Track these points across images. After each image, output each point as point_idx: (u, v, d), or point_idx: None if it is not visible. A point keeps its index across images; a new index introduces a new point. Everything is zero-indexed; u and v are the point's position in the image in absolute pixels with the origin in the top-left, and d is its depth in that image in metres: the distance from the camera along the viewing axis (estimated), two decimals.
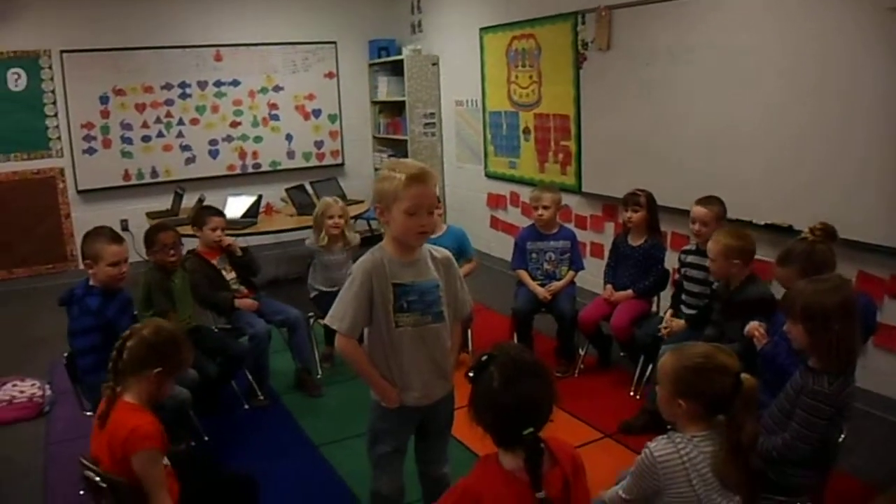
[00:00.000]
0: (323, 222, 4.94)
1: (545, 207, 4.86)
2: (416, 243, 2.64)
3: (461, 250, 4.90)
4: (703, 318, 4.04)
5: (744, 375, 2.15)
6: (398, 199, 2.51)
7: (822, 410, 2.56)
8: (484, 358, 1.98)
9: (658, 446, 2.20)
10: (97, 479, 2.44)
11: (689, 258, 4.29)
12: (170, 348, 2.60)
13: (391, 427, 2.76)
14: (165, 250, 4.23)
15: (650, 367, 4.29)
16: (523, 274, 4.96)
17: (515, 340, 4.89)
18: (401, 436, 2.81)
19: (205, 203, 6.28)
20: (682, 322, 4.18)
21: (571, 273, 4.93)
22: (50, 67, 7.50)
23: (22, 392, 4.61)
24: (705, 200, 4.18)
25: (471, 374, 1.98)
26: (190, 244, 4.75)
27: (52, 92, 7.56)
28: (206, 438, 3.93)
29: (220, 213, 4.86)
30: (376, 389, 2.71)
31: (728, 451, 2.14)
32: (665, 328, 4.21)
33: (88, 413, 3.63)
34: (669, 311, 4.36)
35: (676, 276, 4.47)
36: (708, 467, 2.15)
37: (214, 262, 4.70)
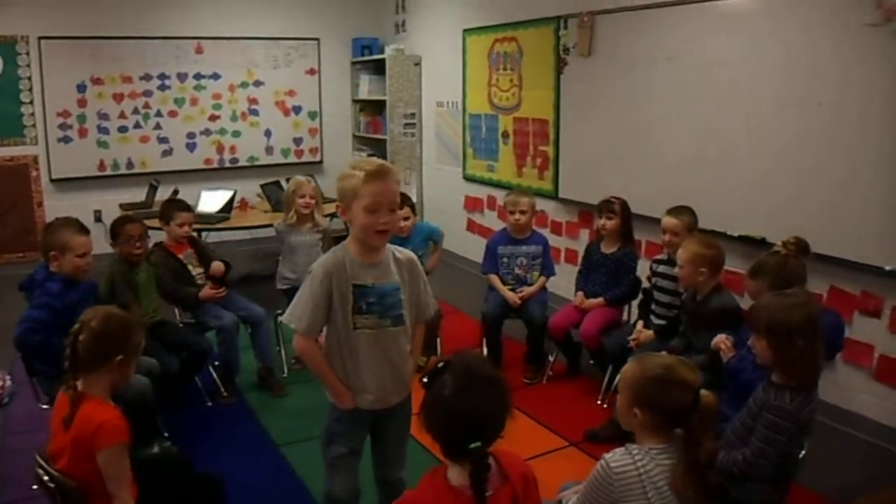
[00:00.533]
0: (293, 200, 4.85)
1: (522, 212, 4.83)
2: (377, 242, 2.60)
3: (430, 238, 5.04)
4: (672, 328, 4.04)
5: (703, 392, 2.12)
6: (358, 195, 2.50)
7: (783, 427, 2.55)
8: (440, 365, 1.93)
9: (615, 458, 2.17)
10: (46, 478, 2.40)
11: (660, 268, 4.29)
12: (125, 332, 2.53)
13: (345, 429, 2.72)
14: (131, 242, 4.18)
15: (618, 376, 4.27)
16: (494, 278, 4.93)
17: (485, 345, 4.88)
18: (355, 438, 2.77)
19: (179, 196, 6.22)
20: (650, 333, 4.17)
21: (542, 279, 4.91)
22: (27, 54, 7.40)
23: None
24: (676, 211, 4.19)
25: (425, 381, 1.94)
26: (157, 237, 4.71)
27: (29, 79, 7.46)
28: (166, 434, 3.87)
29: (189, 208, 4.80)
30: (331, 390, 2.69)
31: (685, 467, 2.11)
32: (634, 339, 4.19)
33: (44, 406, 3.59)
34: (640, 323, 4.35)
35: (647, 284, 4.47)
36: (664, 481, 2.12)
37: (181, 256, 4.64)
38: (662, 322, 4.18)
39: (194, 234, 4.89)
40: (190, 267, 4.65)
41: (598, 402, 4.49)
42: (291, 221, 4.87)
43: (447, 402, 1.86)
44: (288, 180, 7.13)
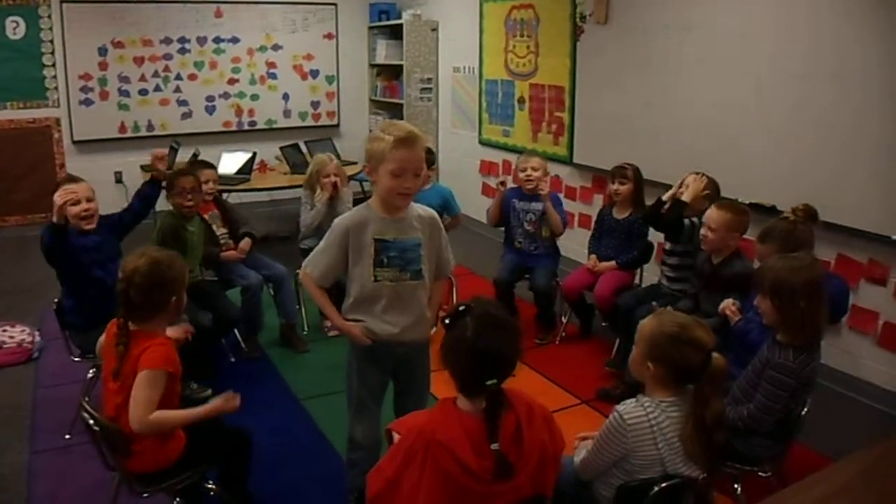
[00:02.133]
0: (318, 179, 4.87)
1: (534, 169, 4.88)
2: (400, 203, 2.74)
3: (445, 207, 5.03)
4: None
5: (714, 354, 2.22)
6: (385, 160, 2.62)
7: (786, 383, 2.67)
8: (461, 308, 2.06)
9: (627, 409, 2.28)
10: (91, 422, 2.50)
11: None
12: (172, 274, 2.62)
13: (364, 366, 2.88)
14: (183, 195, 4.26)
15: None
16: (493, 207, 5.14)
17: None
18: (374, 377, 2.92)
19: (199, 157, 6.34)
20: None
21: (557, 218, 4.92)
22: (49, 17, 7.48)
23: (12, 338, 4.68)
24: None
25: (447, 321, 2.07)
26: None
27: (51, 42, 7.55)
28: (194, 385, 4.00)
29: (212, 166, 4.90)
30: (338, 325, 2.86)
31: (693, 425, 2.23)
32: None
33: (76, 359, 3.73)
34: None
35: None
36: (674, 432, 2.24)
37: (206, 216, 4.73)
38: (676, 285, 4.26)
39: (218, 194, 4.98)
40: (214, 227, 4.76)
41: (606, 369, 4.56)
42: (321, 200, 4.83)
43: (469, 341, 1.99)
44: (307, 143, 7.28)
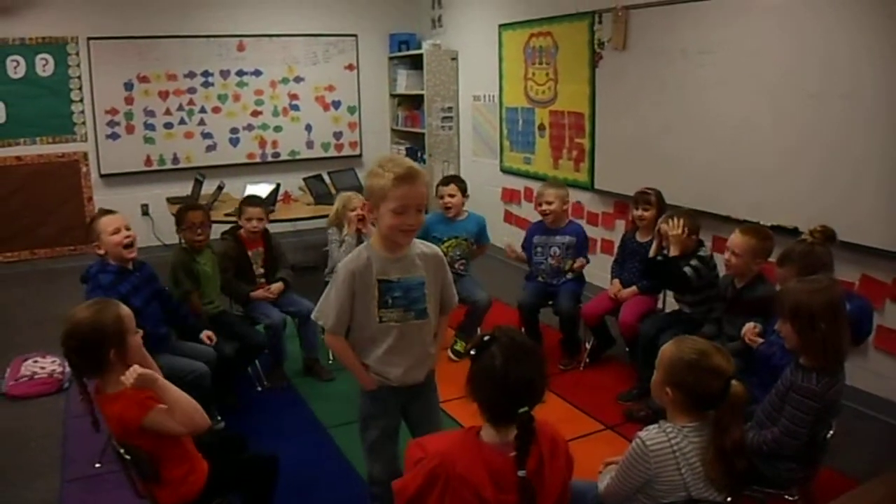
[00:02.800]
0: (345, 214, 4.91)
1: (548, 203, 4.94)
2: (403, 241, 2.70)
3: (479, 235, 5.21)
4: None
5: (734, 382, 2.23)
6: (386, 198, 2.56)
7: (810, 407, 2.65)
8: (486, 338, 2.07)
9: (650, 436, 2.28)
10: (122, 450, 2.54)
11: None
12: (100, 329, 2.54)
13: (377, 410, 2.87)
14: (193, 229, 4.34)
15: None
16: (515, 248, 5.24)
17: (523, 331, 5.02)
18: (387, 418, 2.90)
19: (224, 190, 6.43)
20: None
21: (582, 260, 5.01)
22: (77, 54, 7.65)
23: (43, 368, 4.75)
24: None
25: (473, 353, 2.08)
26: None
27: (79, 78, 7.71)
28: (219, 418, 4.05)
29: (258, 203, 4.92)
30: (358, 376, 2.84)
31: (713, 453, 2.23)
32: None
33: None
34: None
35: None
36: (697, 457, 2.24)
37: (251, 252, 4.81)
38: (698, 309, 4.26)
39: (267, 231, 4.99)
40: (255, 266, 4.83)
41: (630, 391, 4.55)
42: (350, 233, 4.84)
43: (498, 371, 2.00)
44: (330, 174, 7.36)
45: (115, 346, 2.54)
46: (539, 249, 5.06)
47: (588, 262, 5.09)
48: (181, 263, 4.30)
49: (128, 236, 3.69)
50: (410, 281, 2.72)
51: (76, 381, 2.66)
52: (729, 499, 2.28)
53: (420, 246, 2.79)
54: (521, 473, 1.97)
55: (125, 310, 2.65)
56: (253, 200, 4.95)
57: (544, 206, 4.95)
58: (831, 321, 2.66)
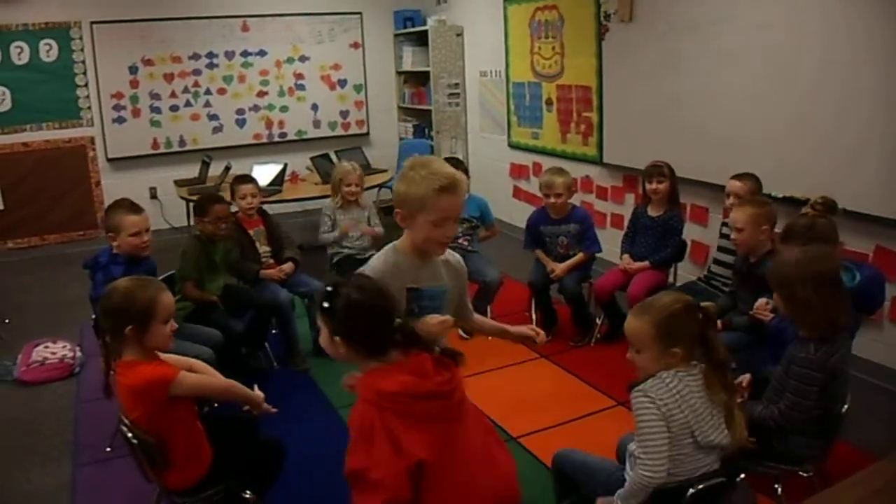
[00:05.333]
0: (339, 187, 5.13)
1: (557, 195, 4.85)
2: (439, 252, 2.56)
3: (482, 218, 5.14)
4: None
5: (703, 305, 2.34)
6: (425, 209, 2.38)
7: (811, 377, 2.61)
8: (330, 287, 2.11)
9: (646, 386, 2.30)
10: (130, 435, 2.55)
11: (725, 230, 4.30)
12: (128, 303, 2.57)
13: None
14: (217, 223, 4.32)
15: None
16: (538, 253, 5.05)
17: (534, 310, 5.00)
18: None
19: (231, 171, 6.40)
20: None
21: (581, 255, 4.94)
22: (80, 38, 7.63)
23: (53, 353, 4.76)
24: (740, 176, 4.20)
25: (326, 305, 2.09)
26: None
27: (83, 62, 7.70)
28: (216, 405, 4.03)
29: (251, 180, 4.95)
30: None
31: (710, 369, 2.30)
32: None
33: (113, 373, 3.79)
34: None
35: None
36: (695, 397, 2.28)
37: (251, 232, 4.81)
38: (724, 285, 4.22)
39: (262, 209, 5.04)
40: (257, 244, 4.82)
41: None
42: (338, 206, 5.17)
43: (362, 299, 2.07)
44: (337, 153, 7.31)
45: (135, 324, 2.55)
46: (547, 240, 5.02)
47: (594, 253, 5.06)
48: (192, 252, 4.28)
49: (145, 241, 3.69)
50: (436, 289, 2.57)
51: (100, 344, 2.75)
52: (742, 475, 2.26)
53: (445, 254, 2.65)
54: (437, 349, 2.11)
55: (167, 297, 2.66)
56: (244, 178, 4.98)
57: (553, 199, 4.87)
58: (818, 289, 2.62)
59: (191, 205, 6.85)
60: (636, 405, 2.29)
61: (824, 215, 3.34)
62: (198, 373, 2.78)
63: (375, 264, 2.54)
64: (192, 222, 4.41)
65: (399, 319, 2.06)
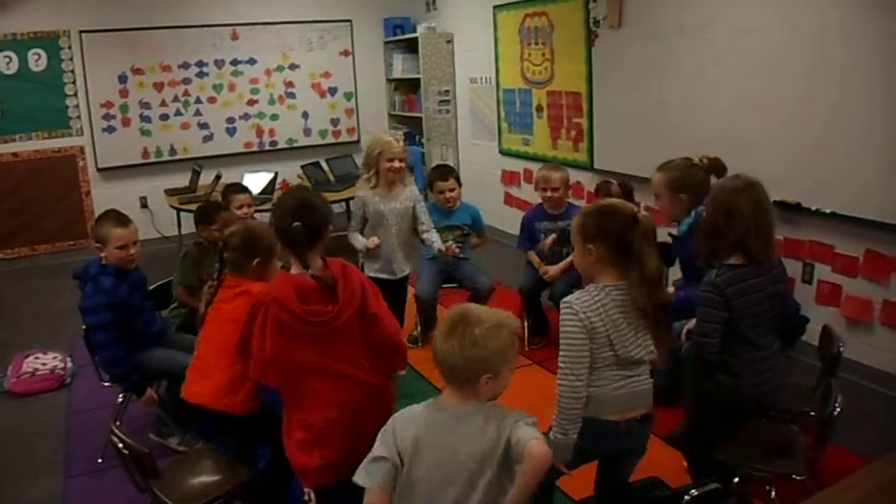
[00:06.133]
0: (378, 163, 4.48)
1: (554, 189, 4.84)
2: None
3: (474, 226, 5.12)
4: None
5: (639, 213, 2.44)
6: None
7: (712, 300, 2.76)
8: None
9: (573, 297, 2.44)
10: (121, 445, 2.55)
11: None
12: (260, 241, 3.09)
13: None
14: (222, 230, 4.27)
15: None
16: (531, 255, 5.01)
17: (525, 315, 4.99)
18: None
19: (221, 180, 6.40)
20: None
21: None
22: (69, 48, 7.61)
23: (44, 364, 4.74)
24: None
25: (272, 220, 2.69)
26: None
27: (72, 72, 7.67)
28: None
29: (245, 190, 4.93)
30: None
31: (637, 282, 2.40)
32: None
33: (106, 384, 3.78)
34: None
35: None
36: (617, 311, 2.41)
37: None
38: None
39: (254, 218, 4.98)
40: None
41: None
42: (374, 185, 4.51)
43: (285, 202, 2.69)
44: (328, 161, 7.31)
45: (261, 258, 3.10)
46: (542, 236, 4.98)
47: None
48: (193, 258, 4.26)
49: (132, 254, 3.67)
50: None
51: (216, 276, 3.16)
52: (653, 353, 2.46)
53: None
54: (310, 272, 2.52)
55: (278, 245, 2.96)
56: (238, 188, 4.96)
57: (550, 193, 4.86)
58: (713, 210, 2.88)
59: (181, 214, 6.88)
60: (561, 316, 2.43)
61: (706, 171, 3.57)
62: None
63: None
64: (182, 231, 4.38)
65: (297, 224, 2.52)
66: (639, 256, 2.39)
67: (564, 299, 2.44)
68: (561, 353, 2.40)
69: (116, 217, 3.70)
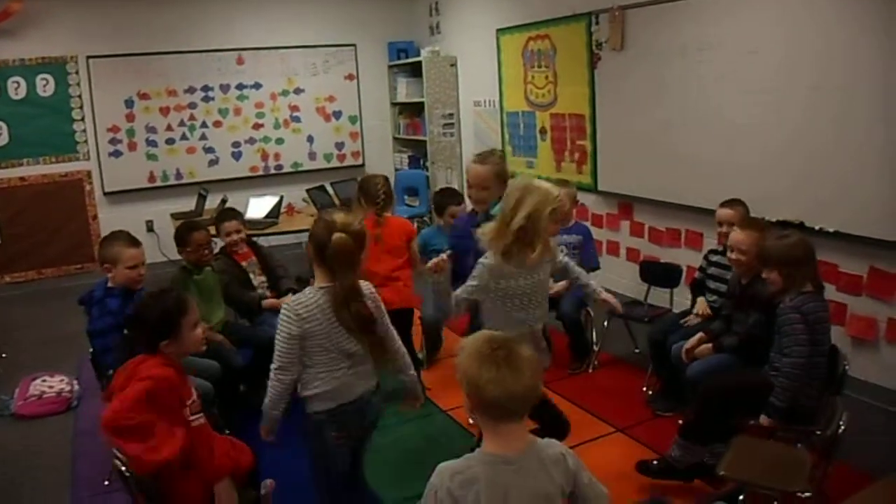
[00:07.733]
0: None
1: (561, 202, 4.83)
2: None
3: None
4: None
5: (336, 235, 2.64)
6: None
7: (793, 319, 3.11)
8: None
9: (295, 298, 2.74)
10: (123, 468, 2.54)
11: (716, 258, 4.27)
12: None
13: None
14: (200, 250, 4.33)
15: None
16: None
17: None
18: None
19: (227, 204, 6.41)
20: (709, 347, 3.80)
21: (563, 284, 4.61)
22: (77, 73, 7.69)
23: (51, 387, 4.75)
24: (729, 203, 4.16)
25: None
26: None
27: (79, 97, 7.75)
28: (228, 431, 4.02)
29: (233, 216, 4.89)
30: None
31: (334, 297, 2.68)
32: (690, 347, 3.85)
33: None
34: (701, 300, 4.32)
35: (696, 274, 4.49)
36: (330, 310, 2.68)
37: (244, 264, 4.78)
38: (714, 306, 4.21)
39: (251, 240, 5.02)
40: (252, 276, 4.79)
41: (644, 389, 4.53)
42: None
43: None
44: (332, 185, 7.34)
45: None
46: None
47: (592, 269, 4.82)
48: (178, 282, 4.23)
49: (142, 274, 3.70)
50: None
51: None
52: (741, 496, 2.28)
53: None
54: None
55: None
56: (227, 215, 4.92)
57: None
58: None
59: None
60: (281, 315, 2.70)
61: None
62: None
63: None
64: None
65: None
66: (333, 273, 2.68)
67: (287, 304, 2.73)
68: (276, 353, 2.72)
69: (128, 238, 3.74)
